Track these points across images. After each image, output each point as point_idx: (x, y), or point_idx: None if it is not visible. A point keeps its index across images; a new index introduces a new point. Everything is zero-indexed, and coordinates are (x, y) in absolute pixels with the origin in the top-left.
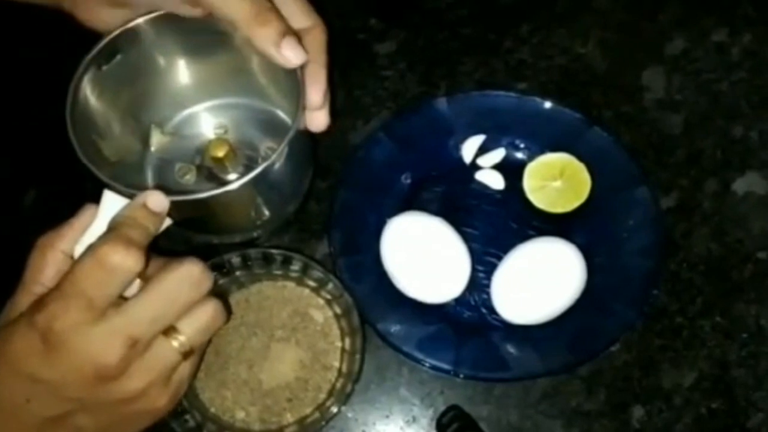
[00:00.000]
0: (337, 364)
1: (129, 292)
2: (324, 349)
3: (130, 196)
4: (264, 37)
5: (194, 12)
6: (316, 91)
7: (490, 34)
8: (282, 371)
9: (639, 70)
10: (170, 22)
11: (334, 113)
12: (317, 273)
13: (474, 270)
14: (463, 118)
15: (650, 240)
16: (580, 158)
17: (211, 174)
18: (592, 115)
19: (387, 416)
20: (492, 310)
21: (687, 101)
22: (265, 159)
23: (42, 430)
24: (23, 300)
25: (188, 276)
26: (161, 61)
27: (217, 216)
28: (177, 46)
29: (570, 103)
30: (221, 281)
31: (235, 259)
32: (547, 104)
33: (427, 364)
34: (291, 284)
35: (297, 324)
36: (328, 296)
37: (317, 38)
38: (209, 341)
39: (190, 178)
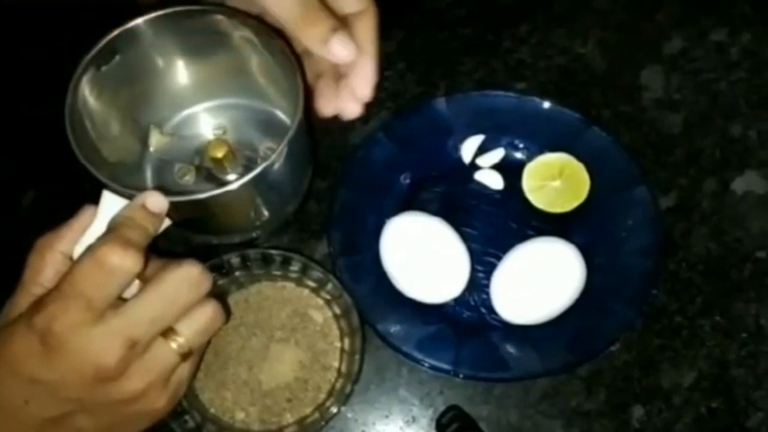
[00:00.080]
0: (336, 364)
1: (128, 293)
2: (323, 350)
3: (129, 197)
4: (313, 36)
5: (252, 9)
6: (363, 84)
7: (490, 34)
8: (281, 372)
9: (638, 70)
10: (169, 23)
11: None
12: (317, 273)
13: (473, 270)
14: (462, 118)
15: (649, 240)
16: (579, 158)
17: (211, 174)
18: (591, 114)
19: (387, 416)
20: (491, 310)
21: (686, 101)
22: (264, 159)
23: (41, 431)
24: (22, 300)
25: (187, 277)
26: (160, 61)
27: (217, 216)
28: (176, 46)
29: (569, 102)
30: (220, 282)
31: (235, 260)
32: (546, 104)
33: (427, 364)
34: (290, 285)
35: (296, 324)
36: (328, 296)
37: (367, 24)
38: (208, 342)
39: (189, 178)
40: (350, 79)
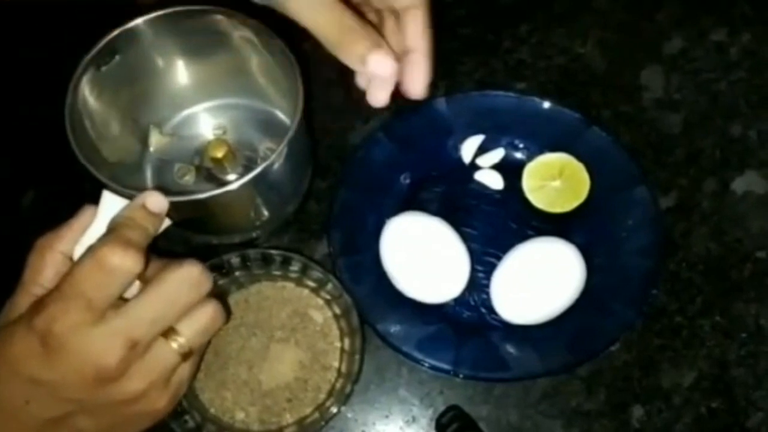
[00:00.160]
0: (336, 364)
1: (128, 294)
2: (323, 350)
3: (129, 197)
4: (351, 56)
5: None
6: (415, 81)
7: (490, 34)
8: (281, 372)
9: (638, 70)
10: (169, 23)
11: (337, 111)
12: (316, 273)
13: (473, 270)
14: (462, 118)
15: (649, 240)
16: (579, 158)
17: (210, 174)
18: (591, 114)
19: (386, 416)
20: (491, 310)
21: (686, 101)
22: (264, 159)
23: None
24: (22, 301)
25: (188, 278)
26: (160, 61)
27: (217, 216)
28: (176, 46)
29: (569, 102)
30: (220, 282)
31: (235, 260)
32: (546, 104)
33: (427, 364)
34: (290, 285)
35: (296, 324)
36: (328, 296)
37: (416, 19)
38: (209, 342)
39: (189, 178)
40: (403, 78)
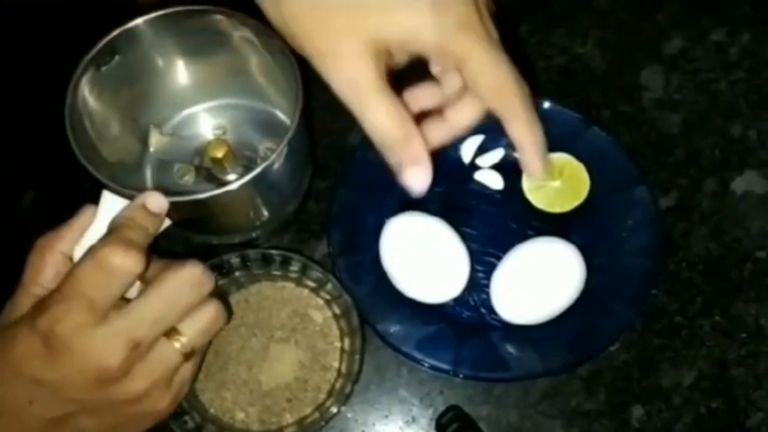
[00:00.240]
0: (336, 364)
1: (129, 294)
2: (323, 350)
3: (129, 197)
4: (387, 155)
5: None
6: (531, 168)
7: None
8: (281, 372)
9: (638, 70)
10: (169, 23)
11: (337, 111)
12: (316, 273)
13: (473, 270)
14: None
15: (649, 240)
16: (579, 158)
17: (210, 175)
18: (590, 114)
19: (386, 416)
20: (491, 310)
21: (686, 101)
22: (264, 159)
23: None
24: (23, 301)
25: (190, 278)
26: (160, 61)
27: (217, 216)
28: (176, 46)
29: (569, 102)
30: (220, 282)
31: (235, 260)
32: (546, 104)
33: (427, 364)
34: (290, 285)
35: (296, 324)
36: (328, 296)
37: (512, 127)
38: (209, 342)
39: (189, 178)
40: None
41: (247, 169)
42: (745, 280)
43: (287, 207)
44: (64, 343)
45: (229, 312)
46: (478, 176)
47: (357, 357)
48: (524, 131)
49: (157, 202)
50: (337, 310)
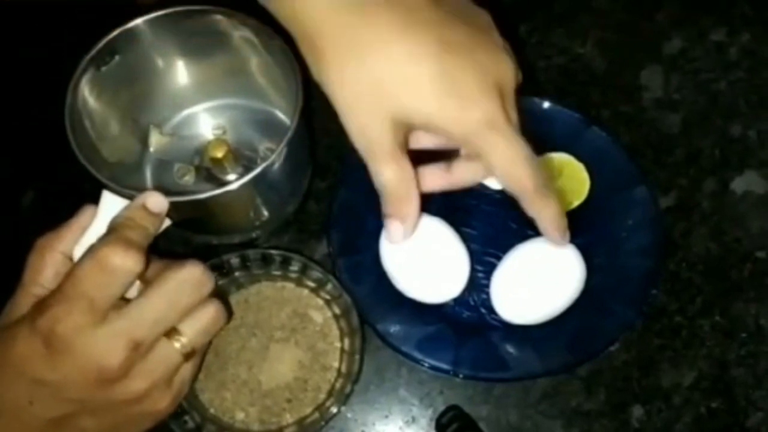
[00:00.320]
0: (336, 364)
1: (129, 295)
2: (323, 350)
3: (129, 197)
4: (383, 206)
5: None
6: (551, 237)
7: None
8: (281, 372)
9: (637, 70)
10: (169, 23)
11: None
12: (316, 273)
13: (473, 270)
14: None
15: (649, 240)
16: (579, 158)
17: (210, 175)
18: (590, 114)
19: (386, 416)
20: (491, 310)
21: (685, 101)
22: (264, 159)
23: None
24: (23, 301)
25: (190, 278)
26: (160, 62)
27: (217, 217)
28: (175, 47)
29: (569, 102)
30: (220, 282)
31: (234, 260)
32: (546, 104)
33: (427, 365)
34: (290, 285)
35: (296, 324)
36: (328, 297)
37: (524, 186)
38: (209, 342)
39: (189, 178)
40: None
41: (247, 169)
42: (745, 280)
43: (287, 207)
44: (64, 343)
45: (229, 312)
46: None
47: (357, 357)
48: (538, 211)
49: (157, 202)
50: (337, 310)
